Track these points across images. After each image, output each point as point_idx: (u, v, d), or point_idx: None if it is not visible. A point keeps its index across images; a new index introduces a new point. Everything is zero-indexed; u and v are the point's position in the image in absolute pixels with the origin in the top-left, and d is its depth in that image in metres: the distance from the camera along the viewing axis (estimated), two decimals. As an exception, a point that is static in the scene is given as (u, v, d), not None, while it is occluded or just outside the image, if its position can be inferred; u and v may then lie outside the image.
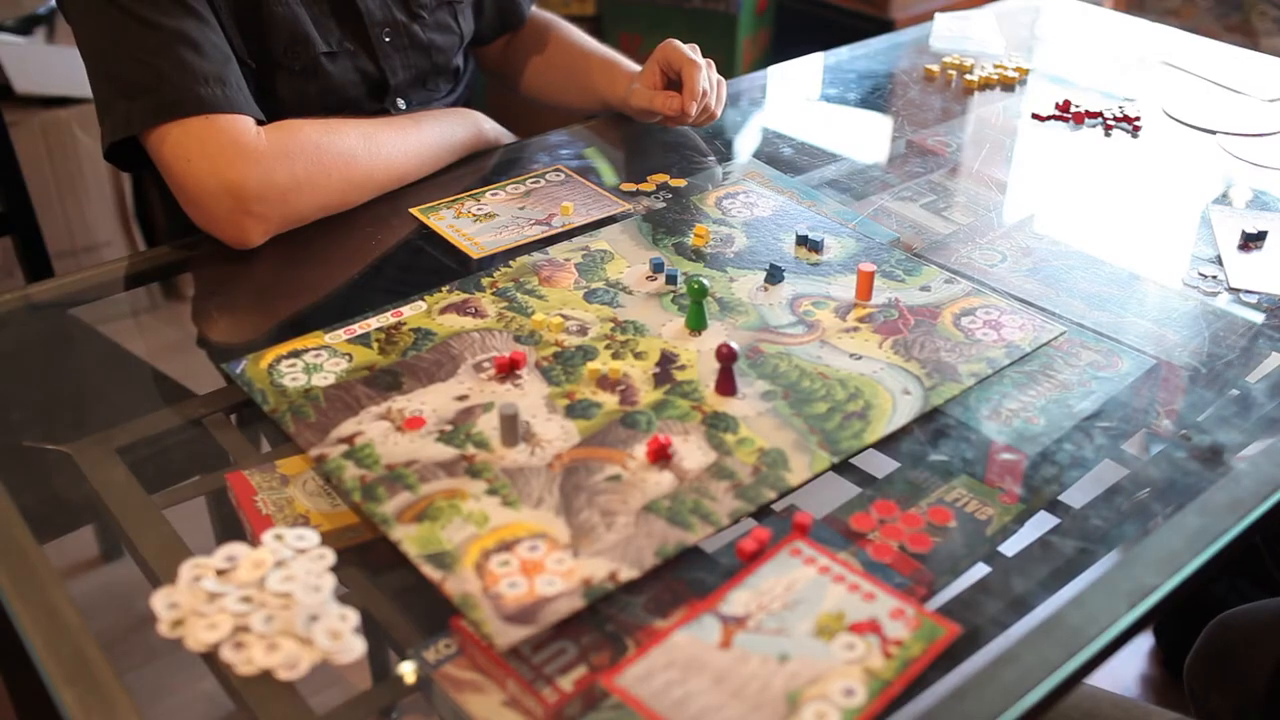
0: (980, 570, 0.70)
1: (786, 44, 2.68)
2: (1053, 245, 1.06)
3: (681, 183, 1.15)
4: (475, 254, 1.02)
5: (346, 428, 0.79)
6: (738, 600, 0.66)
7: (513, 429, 0.77)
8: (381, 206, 1.09)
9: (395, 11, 1.15)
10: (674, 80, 1.20)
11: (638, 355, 0.87)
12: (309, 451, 0.77)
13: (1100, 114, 1.35)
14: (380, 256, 1.03)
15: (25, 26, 2.22)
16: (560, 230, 1.06)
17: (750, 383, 0.84)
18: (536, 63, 1.36)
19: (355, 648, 0.63)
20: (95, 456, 0.79)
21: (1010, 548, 0.71)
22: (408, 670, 0.64)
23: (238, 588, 0.66)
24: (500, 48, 1.39)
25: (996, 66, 1.47)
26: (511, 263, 1.00)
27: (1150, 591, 0.68)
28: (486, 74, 1.45)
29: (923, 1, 2.54)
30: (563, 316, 0.92)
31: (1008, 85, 1.44)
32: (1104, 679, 0.91)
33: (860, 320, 0.92)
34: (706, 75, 1.18)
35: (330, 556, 0.68)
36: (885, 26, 2.43)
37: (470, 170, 1.18)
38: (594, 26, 2.60)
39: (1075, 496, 0.76)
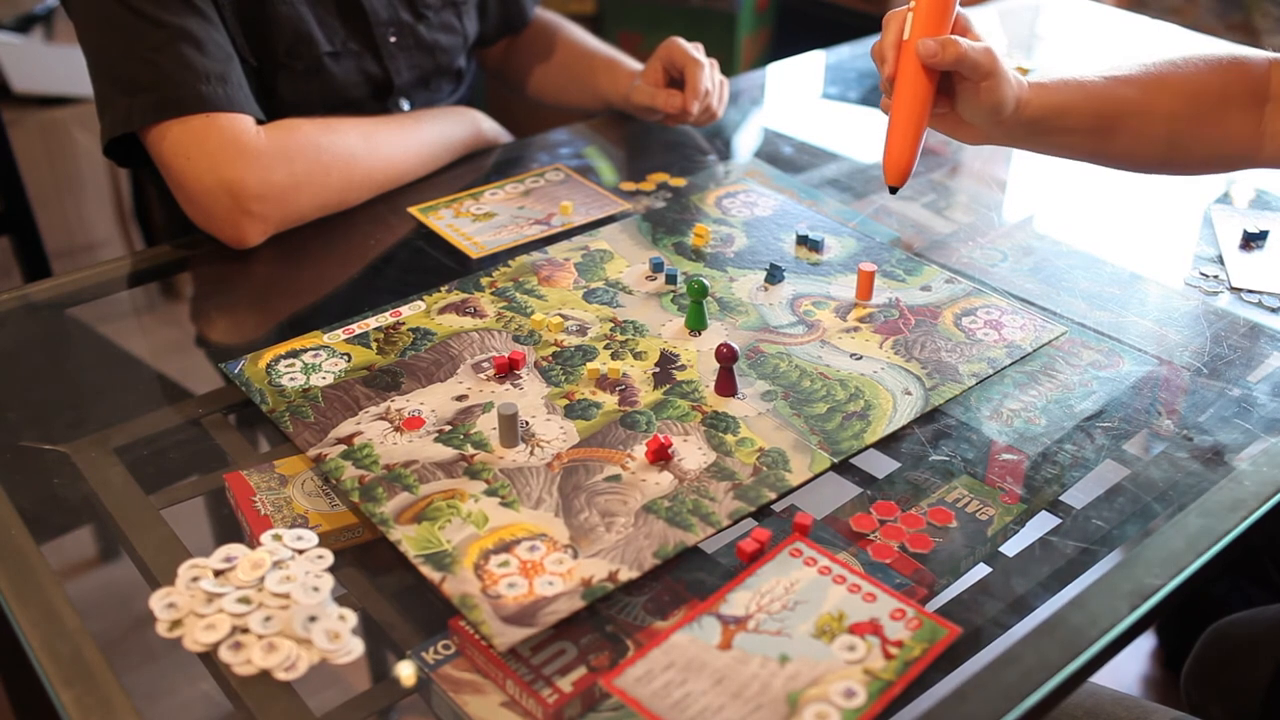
0: (981, 571, 0.70)
1: (787, 42, 2.68)
2: (1054, 245, 1.06)
3: (681, 182, 1.15)
4: (474, 253, 1.02)
5: (345, 428, 0.79)
6: (738, 601, 0.66)
7: (512, 429, 0.77)
8: (380, 206, 1.09)
9: (400, 12, 1.15)
10: (677, 78, 1.19)
11: (637, 355, 0.87)
12: (307, 452, 0.77)
13: (1101, 113, 1.34)
14: (379, 256, 1.03)
15: (23, 25, 2.22)
16: (559, 229, 1.05)
17: (750, 383, 0.84)
18: (538, 63, 1.36)
19: (354, 648, 0.63)
20: (93, 456, 0.79)
21: (1011, 548, 0.71)
22: (406, 671, 0.64)
23: (236, 588, 0.65)
24: (502, 48, 1.38)
25: (997, 65, 1.47)
26: (511, 262, 0.99)
27: (1152, 592, 0.68)
28: (488, 74, 1.44)
29: None
30: (562, 316, 0.92)
31: (1008, 84, 1.44)
32: (1105, 679, 0.91)
33: (861, 320, 0.92)
34: (709, 74, 1.18)
35: (329, 557, 0.68)
36: (885, 25, 2.42)
37: (469, 169, 1.18)
38: (594, 25, 2.59)
39: (1076, 497, 0.75)
